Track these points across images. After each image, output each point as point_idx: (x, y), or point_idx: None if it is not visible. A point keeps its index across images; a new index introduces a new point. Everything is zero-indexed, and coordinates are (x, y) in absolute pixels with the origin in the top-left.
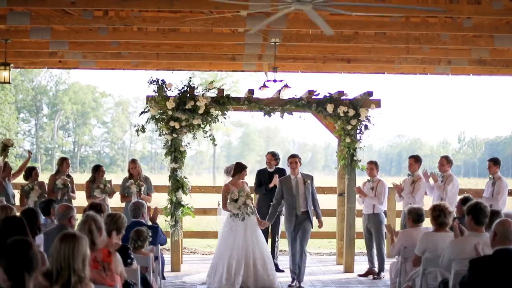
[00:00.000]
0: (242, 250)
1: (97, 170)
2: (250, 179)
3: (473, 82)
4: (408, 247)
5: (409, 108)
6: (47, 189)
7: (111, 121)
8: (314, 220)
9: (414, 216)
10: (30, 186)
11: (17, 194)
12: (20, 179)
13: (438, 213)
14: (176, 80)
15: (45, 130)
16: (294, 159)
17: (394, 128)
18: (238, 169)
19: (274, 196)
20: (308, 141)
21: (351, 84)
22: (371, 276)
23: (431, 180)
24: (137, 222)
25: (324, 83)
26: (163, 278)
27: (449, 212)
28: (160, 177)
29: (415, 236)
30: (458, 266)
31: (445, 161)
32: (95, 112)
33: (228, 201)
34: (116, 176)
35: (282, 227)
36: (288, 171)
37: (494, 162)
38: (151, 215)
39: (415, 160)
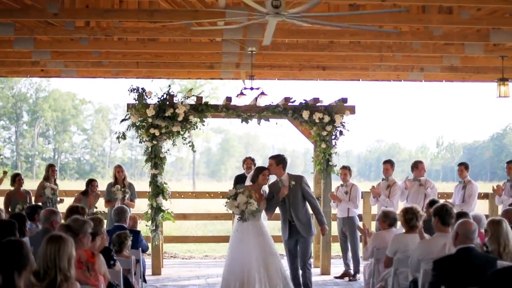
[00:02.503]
0: (254, 261)
1: (89, 184)
2: (230, 184)
3: (448, 88)
4: (380, 248)
5: (387, 113)
6: (35, 194)
7: (91, 128)
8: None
9: (392, 220)
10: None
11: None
12: (7, 186)
13: (411, 216)
14: (156, 87)
15: (25, 137)
16: (269, 161)
17: (373, 133)
18: (256, 173)
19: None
20: (288, 146)
21: (327, 91)
22: (347, 278)
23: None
24: (119, 226)
25: (301, 90)
26: (145, 281)
27: (420, 216)
28: (140, 183)
29: (388, 238)
30: (426, 266)
31: (424, 166)
32: (75, 119)
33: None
34: None
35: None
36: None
37: (465, 166)
38: (131, 225)
39: (391, 165)
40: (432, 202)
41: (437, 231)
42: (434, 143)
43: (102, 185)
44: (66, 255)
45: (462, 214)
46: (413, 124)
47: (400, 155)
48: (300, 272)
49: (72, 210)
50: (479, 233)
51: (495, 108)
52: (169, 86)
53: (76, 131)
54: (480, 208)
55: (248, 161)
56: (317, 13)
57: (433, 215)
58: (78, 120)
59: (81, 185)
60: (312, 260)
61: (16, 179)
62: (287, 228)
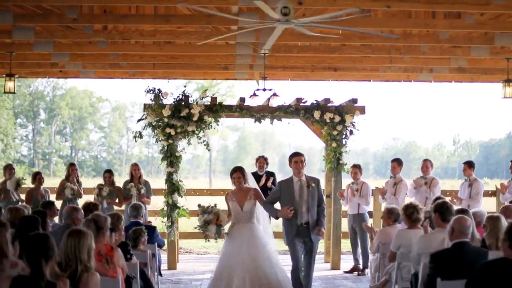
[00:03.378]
0: (240, 266)
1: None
2: None
3: (458, 88)
4: (385, 244)
5: (402, 112)
6: (56, 192)
7: (108, 125)
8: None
9: (396, 216)
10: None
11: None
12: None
13: (412, 210)
14: (172, 86)
15: (42, 135)
16: (299, 157)
17: (389, 131)
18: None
19: (268, 197)
20: (304, 144)
21: (339, 91)
22: (356, 273)
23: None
24: (135, 222)
25: (313, 90)
26: (160, 274)
27: (420, 209)
28: (156, 181)
29: (392, 234)
30: (426, 259)
31: (430, 164)
32: (92, 117)
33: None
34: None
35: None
36: (278, 176)
37: (469, 165)
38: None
39: (398, 163)
40: (437, 199)
41: (437, 227)
42: (451, 141)
43: (118, 183)
44: (86, 248)
45: (462, 211)
46: (429, 123)
47: (416, 153)
48: (303, 278)
49: (85, 207)
50: (480, 229)
51: (511, 106)
52: (185, 86)
53: (93, 129)
54: (488, 205)
55: (261, 160)
56: (326, 19)
57: (434, 211)
58: (95, 118)
59: (98, 182)
60: (323, 256)
61: (37, 178)
62: (295, 231)
